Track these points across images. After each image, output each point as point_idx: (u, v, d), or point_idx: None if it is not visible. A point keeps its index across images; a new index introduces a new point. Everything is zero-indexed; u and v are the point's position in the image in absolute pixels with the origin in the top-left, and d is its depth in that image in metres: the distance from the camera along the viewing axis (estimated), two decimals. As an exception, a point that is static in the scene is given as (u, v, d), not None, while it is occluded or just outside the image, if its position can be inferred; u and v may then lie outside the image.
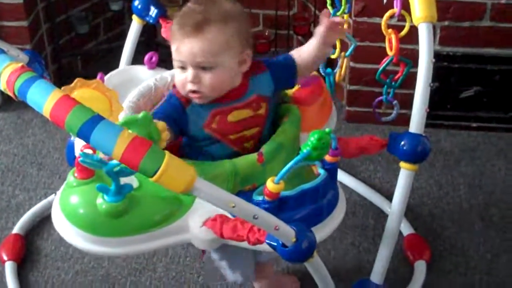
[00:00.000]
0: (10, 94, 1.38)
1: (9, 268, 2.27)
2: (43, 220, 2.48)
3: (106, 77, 1.98)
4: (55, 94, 1.31)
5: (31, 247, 2.38)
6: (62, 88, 1.49)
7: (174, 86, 1.75)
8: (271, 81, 1.77)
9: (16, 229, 2.41)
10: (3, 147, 2.84)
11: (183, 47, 1.64)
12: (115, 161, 1.45)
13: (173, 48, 1.67)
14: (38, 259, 2.34)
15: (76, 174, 1.65)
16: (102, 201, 1.57)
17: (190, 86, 1.66)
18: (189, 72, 1.66)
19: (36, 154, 2.80)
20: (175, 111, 1.70)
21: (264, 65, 1.78)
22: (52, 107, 1.30)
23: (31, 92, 1.33)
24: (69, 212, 1.64)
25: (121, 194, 1.56)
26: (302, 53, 1.81)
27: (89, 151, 1.62)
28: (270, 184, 1.57)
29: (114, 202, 1.56)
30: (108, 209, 1.57)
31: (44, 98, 1.31)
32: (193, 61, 1.64)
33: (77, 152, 1.83)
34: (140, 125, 1.42)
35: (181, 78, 1.68)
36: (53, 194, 2.52)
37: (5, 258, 2.30)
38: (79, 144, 1.85)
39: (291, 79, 1.81)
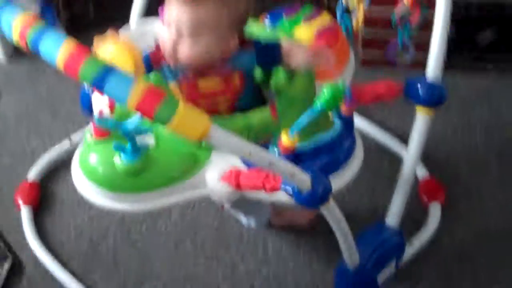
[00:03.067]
0: (23, 46, 1.37)
1: (25, 213, 2.30)
2: (58, 167, 2.49)
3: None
4: (68, 45, 1.30)
5: (46, 193, 2.40)
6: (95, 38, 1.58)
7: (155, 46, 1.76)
8: (254, 61, 1.74)
9: (31, 176, 2.42)
10: (16, 95, 2.84)
11: (174, 9, 1.64)
12: (130, 122, 1.45)
13: (168, 5, 1.67)
14: (54, 205, 2.36)
15: (92, 133, 1.65)
16: (119, 160, 1.58)
17: (168, 45, 1.67)
18: (172, 33, 1.65)
19: (50, 102, 2.80)
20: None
21: (252, 46, 1.75)
22: (65, 59, 1.29)
23: (43, 43, 1.31)
24: (88, 170, 1.66)
25: (137, 154, 1.57)
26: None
27: (107, 112, 1.62)
28: (285, 138, 1.57)
29: (131, 161, 1.57)
30: (126, 168, 1.58)
31: (56, 49, 1.29)
32: (178, 26, 1.64)
33: (95, 110, 1.83)
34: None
35: (164, 35, 1.68)
36: (68, 140, 2.52)
37: (21, 203, 2.32)
38: (96, 101, 1.85)
39: (277, 59, 1.75)
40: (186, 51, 1.66)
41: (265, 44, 1.76)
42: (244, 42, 1.74)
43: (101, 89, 1.28)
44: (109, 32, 1.63)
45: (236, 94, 1.75)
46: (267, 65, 1.76)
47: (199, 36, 1.64)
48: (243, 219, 2.00)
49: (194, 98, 1.71)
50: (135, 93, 1.25)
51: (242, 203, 1.83)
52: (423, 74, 1.86)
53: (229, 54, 1.71)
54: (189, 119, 1.28)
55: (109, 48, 1.68)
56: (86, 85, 1.93)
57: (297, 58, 1.70)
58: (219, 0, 1.63)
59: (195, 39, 1.65)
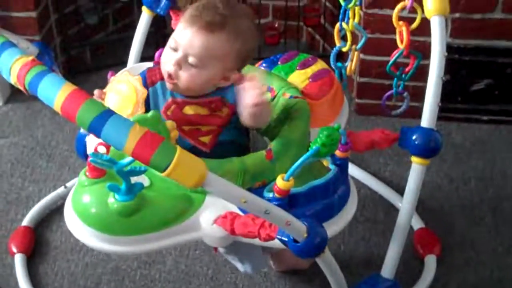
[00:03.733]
0: (21, 88, 1.37)
1: (18, 260, 2.26)
2: (52, 213, 2.48)
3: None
4: (66, 88, 1.30)
5: (40, 239, 2.38)
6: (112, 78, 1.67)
7: (155, 63, 1.80)
8: (234, 91, 1.74)
9: (25, 221, 2.40)
10: (12, 138, 2.83)
11: (188, 33, 1.65)
12: (124, 161, 1.46)
13: (179, 27, 1.68)
14: (48, 252, 2.34)
15: (87, 173, 1.64)
16: (113, 200, 1.57)
17: (170, 67, 1.67)
18: (177, 55, 1.66)
19: (46, 146, 2.79)
20: None
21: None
22: (63, 101, 1.29)
23: (42, 86, 1.32)
24: (81, 211, 1.64)
25: (132, 193, 1.56)
26: None
27: (103, 149, 1.62)
28: (280, 182, 1.56)
29: (125, 201, 1.56)
30: (120, 208, 1.57)
31: (54, 92, 1.30)
32: (187, 50, 1.65)
33: (89, 150, 1.83)
34: (149, 123, 1.43)
35: (168, 56, 1.69)
36: (63, 187, 2.52)
37: (14, 250, 2.29)
38: (91, 142, 1.85)
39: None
40: (187, 78, 1.67)
41: None
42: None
43: (98, 134, 1.28)
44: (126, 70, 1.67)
45: (220, 126, 1.75)
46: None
47: (205, 67, 1.66)
48: (238, 265, 1.98)
49: (179, 122, 1.69)
50: (132, 139, 1.25)
51: (238, 248, 1.83)
52: (417, 123, 1.87)
53: (223, 85, 1.72)
54: (185, 167, 1.28)
55: (119, 85, 1.70)
56: (82, 130, 1.93)
57: (245, 100, 1.67)
58: (234, 33, 1.66)
59: (200, 69, 1.66)
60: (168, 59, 1.68)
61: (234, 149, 1.74)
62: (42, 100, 1.33)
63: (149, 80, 1.76)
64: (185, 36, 1.66)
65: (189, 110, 1.73)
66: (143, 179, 1.63)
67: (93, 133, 1.28)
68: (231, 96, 1.74)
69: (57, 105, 1.30)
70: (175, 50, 1.67)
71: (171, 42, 1.69)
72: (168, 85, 1.71)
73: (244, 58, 1.73)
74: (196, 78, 1.67)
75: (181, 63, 1.66)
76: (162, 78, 1.73)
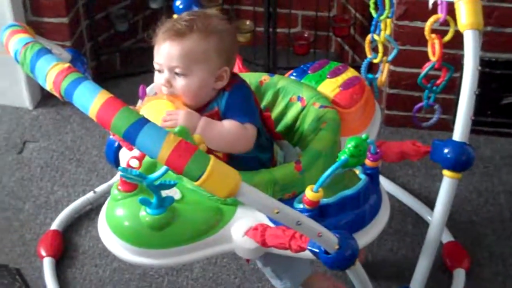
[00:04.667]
0: (57, 94, 1.38)
1: (47, 264, 2.28)
2: (81, 217, 2.50)
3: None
4: (102, 96, 1.31)
5: (69, 243, 2.39)
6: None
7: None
8: (224, 104, 1.73)
9: (54, 225, 2.42)
10: (42, 142, 2.85)
11: (162, 49, 1.68)
12: (154, 175, 1.46)
13: (155, 50, 1.71)
14: (76, 256, 2.35)
15: (120, 187, 1.66)
16: (145, 214, 1.58)
17: (164, 90, 1.70)
18: (164, 75, 1.69)
19: (75, 151, 2.81)
20: None
21: (230, 86, 1.74)
22: (98, 109, 1.30)
23: (78, 93, 1.34)
24: (114, 225, 1.66)
25: (163, 207, 1.57)
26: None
27: (135, 163, 1.64)
28: (309, 193, 1.57)
29: (156, 215, 1.58)
30: (151, 221, 1.58)
31: (90, 99, 1.31)
32: (169, 65, 1.67)
33: (122, 164, 1.84)
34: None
35: (157, 80, 1.72)
36: (92, 192, 2.53)
37: (43, 254, 2.31)
38: (124, 155, 1.86)
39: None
40: (181, 89, 1.68)
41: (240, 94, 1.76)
42: (230, 79, 1.75)
43: (132, 142, 1.28)
44: (147, 98, 1.69)
45: None
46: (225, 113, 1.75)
47: (192, 72, 1.67)
48: (276, 281, 1.97)
49: None
50: (166, 147, 1.26)
51: (276, 261, 1.82)
52: (445, 135, 1.86)
53: (222, 86, 1.72)
54: (219, 176, 1.28)
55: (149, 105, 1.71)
56: (112, 136, 1.94)
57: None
58: (204, 31, 1.67)
59: (189, 76, 1.67)
60: (158, 81, 1.71)
61: (254, 165, 1.73)
62: (77, 107, 1.34)
63: None
64: (161, 53, 1.68)
65: None
66: (174, 192, 1.64)
67: (128, 141, 1.29)
68: (222, 103, 1.73)
69: (92, 112, 1.31)
70: (160, 71, 1.70)
71: (154, 65, 1.72)
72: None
73: (228, 54, 1.72)
74: (189, 86, 1.68)
75: (170, 79, 1.69)
76: None
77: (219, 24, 1.72)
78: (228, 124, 1.69)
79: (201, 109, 1.71)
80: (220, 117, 1.72)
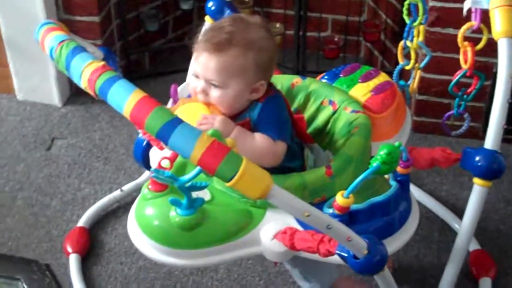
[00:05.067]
0: (91, 92, 1.39)
1: (73, 260, 2.30)
2: (108, 215, 2.51)
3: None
4: (136, 95, 1.32)
5: (95, 240, 2.41)
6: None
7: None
8: (256, 115, 1.73)
9: (81, 222, 2.44)
10: (70, 139, 2.87)
11: (201, 59, 1.68)
12: (185, 177, 1.47)
13: (194, 56, 1.71)
14: (102, 253, 2.36)
15: (150, 187, 1.67)
16: (175, 214, 1.59)
17: (199, 96, 1.70)
18: (200, 83, 1.69)
19: (103, 149, 2.82)
20: None
21: (264, 98, 1.73)
22: (132, 107, 1.31)
23: (112, 91, 1.34)
24: (144, 224, 1.67)
25: (193, 208, 1.58)
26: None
27: (167, 163, 1.64)
28: (340, 199, 1.56)
29: (186, 215, 1.58)
30: (181, 222, 1.59)
31: (125, 98, 1.32)
32: (206, 76, 1.67)
33: (152, 164, 1.85)
34: None
35: (193, 86, 1.72)
36: (119, 190, 2.54)
37: (69, 250, 2.33)
38: (154, 155, 1.87)
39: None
40: (216, 100, 1.68)
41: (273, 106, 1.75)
42: (269, 91, 1.75)
43: (165, 141, 1.29)
44: (181, 99, 1.70)
45: None
46: (257, 124, 1.74)
47: (228, 86, 1.67)
48: (305, 284, 1.97)
49: None
50: (199, 147, 1.26)
51: (303, 263, 1.81)
52: (474, 143, 1.85)
53: (257, 97, 1.72)
54: (251, 177, 1.28)
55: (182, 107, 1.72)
56: (140, 135, 1.95)
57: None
58: (243, 46, 1.66)
59: (224, 89, 1.67)
60: (195, 88, 1.71)
61: (284, 173, 1.71)
62: (111, 105, 1.35)
63: None
64: (200, 64, 1.68)
65: None
66: (204, 193, 1.65)
67: (161, 140, 1.29)
68: (254, 113, 1.73)
69: (126, 111, 1.32)
70: (197, 77, 1.70)
71: (192, 70, 1.72)
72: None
73: (266, 67, 1.72)
74: (224, 98, 1.68)
75: (206, 89, 1.68)
76: None
77: (260, 38, 1.70)
78: (260, 138, 1.69)
79: (232, 117, 1.72)
80: (251, 127, 1.72)
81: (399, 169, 1.70)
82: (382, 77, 2.03)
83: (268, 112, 1.72)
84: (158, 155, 1.82)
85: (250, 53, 1.67)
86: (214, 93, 1.68)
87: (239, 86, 1.68)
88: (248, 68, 1.67)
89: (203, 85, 1.68)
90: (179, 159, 1.73)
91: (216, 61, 1.65)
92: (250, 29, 1.70)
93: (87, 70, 1.39)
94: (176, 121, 1.29)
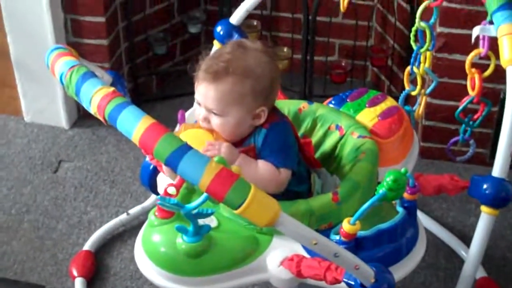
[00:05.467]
0: (101, 118, 1.39)
1: (78, 284, 2.29)
2: (114, 238, 2.51)
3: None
4: (145, 121, 1.32)
5: (100, 264, 2.40)
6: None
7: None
8: (261, 141, 1.74)
9: (87, 246, 2.43)
10: (77, 162, 2.87)
11: (200, 89, 1.69)
12: (191, 205, 1.47)
13: (195, 84, 1.72)
14: (107, 277, 2.36)
15: (157, 213, 1.67)
16: (181, 241, 1.59)
17: (202, 124, 1.72)
18: (202, 111, 1.71)
19: (109, 172, 2.83)
20: None
21: (268, 124, 1.74)
22: (141, 134, 1.31)
23: (121, 118, 1.34)
24: (150, 250, 1.67)
25: (199, 235, 1.58)
26: None
27: (173, 190, 1.64)
28: (346, 225, 1.56)
29: (192, 243, 1.58)
30: (187, 249, 1.59)
31: (134, 125, 1.32)
32: (206, 105, 1.69)
33: (160, 190, 1.85)
34: None
35: (197, 113, 1.74)
36: (125, 213, 2.54)
37: (75, 274, 2.32)
38: (161, 181, 1.87)
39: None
40: (218, 128, 1.70)
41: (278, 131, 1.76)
42: (269, 116, 1.75)
43: (174, 168, 1.29)
44: (183, 125, 1.72)
45: None
46: (262, 150, 1.75)
47: (227, 114, 1.68)
48: None
49: None
50: (208, 174, 1.26)
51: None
52: (481, 170, 1.85)
53: (260, 123, 1.73)
54: (260, 205, 1.28)
55: (186, 133, 1.72)
56: (148, 160, 1.95)
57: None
58: (240, 74, 1.67)
59: (225, 117, 1.69)
60: (197, 114, 1.74)
61: (291, 198, 1.71)
62: (121, 131, 1.35)
63: None
64: (200, 93, 1.70)
65: None
66: (211, 220, 1.65)
67: (170, 167, 1.30)
68: (259, 140, 1.74)
69: (135, 138, 1.32)
70: (199, 105, 1.72)
71: (195, 97, 1.73)
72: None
73: (266, 93, 1.72)
74: (225, 126, 1.70)
75: (208, 117, 1.70)
76: None
77: (258, 65, 1.70)
78: (263, 166, 1.70)
79: (237, 144, 1.73)
80: (256, 153, 1.73)
81: (406, 195, 1.70)
82: (390, 102, 2.04)
83: (272, 139, 1.73)
84: (165, 182, 1.82)
85: (248, 80, 1.68)
86: (215, 121, 1.70)
87: (239, 114, 1.69)
88: (246, 95, 1.68)
89: (205, 113, 1.70)
90: (185, 185, 1.73)
91: (214, 90, 1.67)
92: (248, 56, 1.71)
93: (96, 96, 1.39)
94: (185, 148, 1.29)
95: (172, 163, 1.29)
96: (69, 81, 1.45)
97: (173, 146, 1.29)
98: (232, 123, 1.70)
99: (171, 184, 1.69)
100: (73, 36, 2.96)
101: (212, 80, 1.67)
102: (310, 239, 1.36)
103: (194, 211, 1.49)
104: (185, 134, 1.71)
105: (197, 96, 1.71)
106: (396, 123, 1.97)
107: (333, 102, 2.07)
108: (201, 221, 1.56)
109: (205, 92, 1.68)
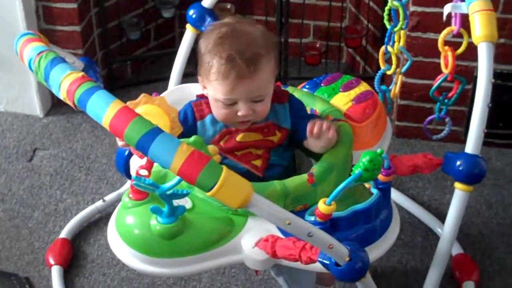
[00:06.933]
0: (70, 104, 1.38)
1: (55, 272, 2.28)
2: (90, 225, 2.50)
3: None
4: (115, 106, 1.32)
5: (77, 252, 2.39)
6: (128, 102, 1.49)
7: (197, 96, 1.81)
8: (288, 115, 1.77)
9: (63, 234, 2.42)
10: (52, 150, 2.86)
11: (238, 87, 1.65)
12: (166, 185, 1.46)
13: (220, 84, 1.66)
14: (84, 264, 2.35)
15: (130, 195, 1.66)
16: (155, 223, 1.58)
17: (243, 118, 1.70)
18: (242, 106, 1.68)
19: (85, 159, 2.81)
20: (186, 121, 1.75)
21: (286, 96, 1.81)
22: (111, 118, 1.30)
23: (91, 102, 1.34)
24: (124, 232, 1.66)
25: (174, 216, 1.57)
26: None
27: (145, 172, 1.63)
28: (322, 206, 1.56)
29: (167, 224, 1.57)
30: (162, 230, 1.58)
31: (104, 109, 1.32)
32: (247, 97, 1.67)
33: (132, 173, 1.84)
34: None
35: (227, 111, 1.70)
36: (101, 200, 2.53)
37: (52, 262, 2.31)
38: (134, 164, 1.86)
39: (304, 128, 1.75)
40: (264, 111, 1.71)
41: (298, 101, 1.83)
42: (279, 92, 1.79)
43: (145, 152, 1.28)
44: (143, 95, 1.65)
45: (271, 150, 1.77)
46: (295, 124, 1.78)
47: (268, 94, 1.70)
48: None
49: (232, 148, 1.74)
50: (179, 157, 1.26)
51: (287, 270, 1.81)
52: (456, 147, 1.85)
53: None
54: (231, 187, 1.28)
55: (143, 110, 1.65)
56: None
57: (320, 142, 1.73)
58: (267, 52, 1.67)
59: (265, 99, 1.69)
60: (229, 114, 1.70)
61: (285, 173, 1.74)
62: (91, 116, 1.34)
63: (197, 114, 1.77)
64: (239, 91, 1.66)
65: (243, 137, 1.74)
66: (185, 201, 1.64)
67: (141, 151, 1.29)
68: (285, 121, 1.76)
69: (105, 122, 1.31)
70: (234, 103, 1.68)
71: (221, 102, 1.68)
72: (244, 126, 1.73)
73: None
74: (267, 105, 1.71)
75: (250, 108, 1.68)
76: (210, 111, 1.75)
77: (267, 33, 1.73)
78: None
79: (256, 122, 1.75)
80: (284, 131, 1.77)
81: (380, 177, 1.70)
82: (363, 87, 2.03)
83: (299, 105, 1.82)
84: (137, 164, 1.81)
85: (272, 53, 1.70)
86: (260, 107, 1.69)
87: (272, 88, 1.72)
88: (274, 66, 1.71)
89: (247, 106, 1.68)
90: (156, 167, 1.71)
91: (258, 81, 1.65)
92: (252, 32, 1.70)
93: (65, 81, 1.38)
94: (155, 132, 1.28)
95: (143, 147, 1.28)
96: (37, 66, 1.43)
97: (143, 130, 1.28)
98: (269, 99, 1.72)
99: (142, 166, 1.67)
100: (45, 22, 2.93)
101: (249, 72, 1.63)
102: (283, 220, 1.36)
103: (169, 192, 1.49)
104: (143, 109, 1.65)
105: (234, 95, 1.66)
106: (370, 108, 1.97)
107: (307, 86, 2.06)
108: (175, 202, 1.55)
109: (246, 87, 1.65)
